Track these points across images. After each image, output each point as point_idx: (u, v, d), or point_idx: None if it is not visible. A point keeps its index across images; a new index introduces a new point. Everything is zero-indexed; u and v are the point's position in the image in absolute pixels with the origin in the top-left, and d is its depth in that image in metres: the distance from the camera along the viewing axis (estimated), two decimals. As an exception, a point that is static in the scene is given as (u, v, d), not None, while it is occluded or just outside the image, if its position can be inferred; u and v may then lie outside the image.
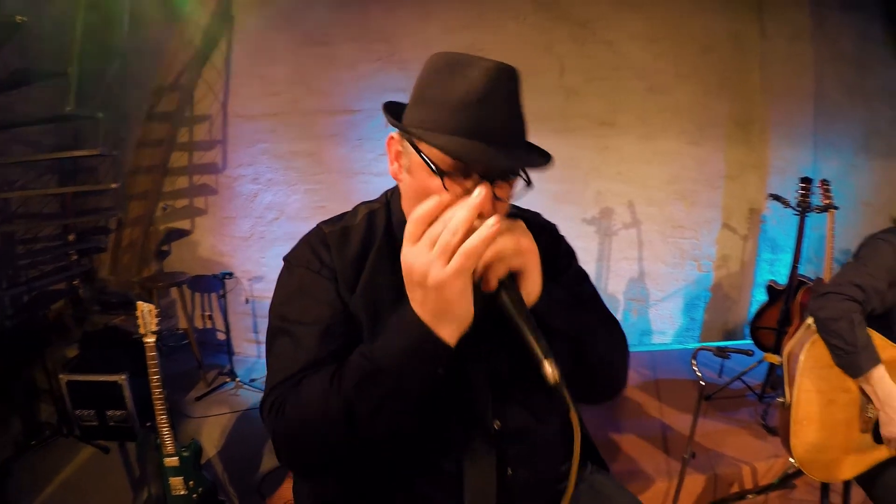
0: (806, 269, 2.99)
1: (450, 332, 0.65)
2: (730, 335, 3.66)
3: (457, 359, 0.69)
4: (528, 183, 0.76)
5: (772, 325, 2.98)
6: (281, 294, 0.84)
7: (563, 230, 1.04)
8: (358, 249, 0.84)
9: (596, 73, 3.23)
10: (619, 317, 0.86)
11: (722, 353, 2.18)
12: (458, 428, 0.83)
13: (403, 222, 0.71)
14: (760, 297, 3.49)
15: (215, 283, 3.25)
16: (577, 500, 0.97)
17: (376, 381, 0.67)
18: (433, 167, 0.70)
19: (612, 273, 3.47)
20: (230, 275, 3.20)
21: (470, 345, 0.69)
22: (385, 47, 3.13)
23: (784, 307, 2.93)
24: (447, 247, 0.60)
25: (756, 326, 3.16)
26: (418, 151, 0.71)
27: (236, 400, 2.83)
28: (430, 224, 0.63)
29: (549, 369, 0.63)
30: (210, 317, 3.42)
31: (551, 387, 0.63)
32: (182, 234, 3.45)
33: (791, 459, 1.46)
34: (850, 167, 3.77)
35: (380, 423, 0.69)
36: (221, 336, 3.40)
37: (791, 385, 1.45)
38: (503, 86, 0.68)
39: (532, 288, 0.71)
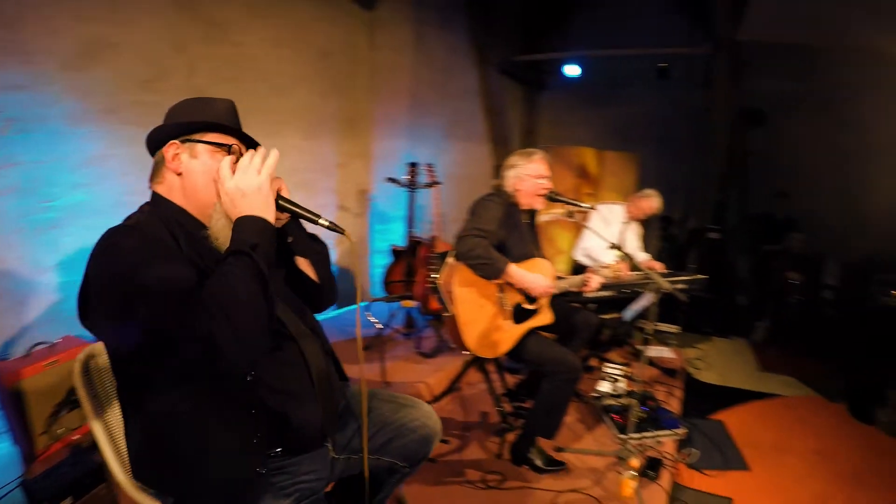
0: (417, 232, 3.83)
1: (270, 216, 1.06)
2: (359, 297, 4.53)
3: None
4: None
5: (401, 278, 3.71)
6: (124, 264, 0.96)
7: None
8: (165, 234, 1.08)
9: (224, 74, 3.35)
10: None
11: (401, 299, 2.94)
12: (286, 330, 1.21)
13: (183, 212, 1.11)
14: (380, 260, 4.33)
15: None
16: (352, 401, 1.39)
17: (242, 255, 0.97)
18: (221, 144, 1.13)
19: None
20: None
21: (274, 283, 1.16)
22: (4, 33, 2.69)
23: (408, 262, 3.72)
24: (255, 166, 1.06)
25: (389, 281, 3.86)
26: (204, 142, 1.12)
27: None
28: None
29: (324, 220, 1.11)
30: None
31: (329, 226, 1.10)
32: None
33: (465, 351, 2.13)
34: (439, 150, 5.08)
35: (242, 277, 0.95)
36: None
37: (451, 303, 2.13)
38: (234, 108, 1.21)
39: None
